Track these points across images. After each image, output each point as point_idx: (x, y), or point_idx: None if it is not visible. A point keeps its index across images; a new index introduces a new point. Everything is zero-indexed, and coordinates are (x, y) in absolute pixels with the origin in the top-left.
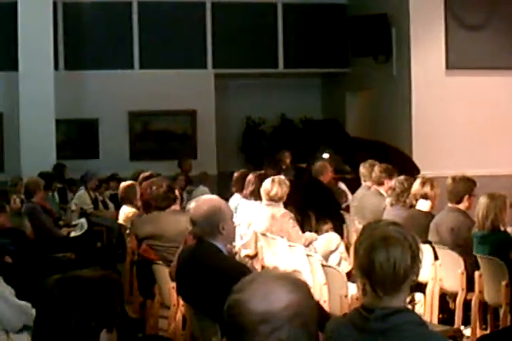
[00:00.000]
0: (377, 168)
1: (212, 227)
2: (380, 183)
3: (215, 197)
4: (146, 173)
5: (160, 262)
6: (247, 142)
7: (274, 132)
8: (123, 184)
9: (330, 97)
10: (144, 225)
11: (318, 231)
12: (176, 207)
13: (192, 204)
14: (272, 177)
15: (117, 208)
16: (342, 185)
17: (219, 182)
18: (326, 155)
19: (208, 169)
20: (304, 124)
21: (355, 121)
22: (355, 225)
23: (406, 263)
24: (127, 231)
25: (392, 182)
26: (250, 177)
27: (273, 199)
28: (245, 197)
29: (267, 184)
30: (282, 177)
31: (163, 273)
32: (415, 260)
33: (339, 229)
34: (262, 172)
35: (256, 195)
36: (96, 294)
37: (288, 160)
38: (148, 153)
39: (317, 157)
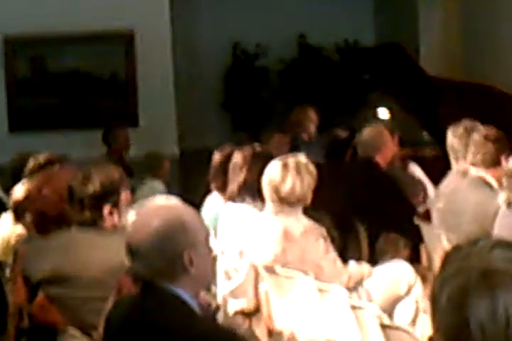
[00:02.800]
0: (479, 136)
1: (170, 261)
2: (488, 164)
3: (174, 201)
4: (42, 157)
5: (71, 328)
6: (234, 92)
7: (285, 71)
8: (21, 188)
9: (389, 4)
10: (41, 258)
11: (373, 260)
12: (110, 221)
13: (131, 217)
14: (283, 157)
15: None
16: (416, 170)
17: (183, 170)
18: (383, 114)
19: (161, 146)
20: (343, 55)
21: (435, 47)
22: (441, 245)
23: None
24: (7, 272)
25: (511, 163)
26: (238, 156)
27: (287, 202)
28: (231, 197)
29: (273, 171)
30: (303, 158)
31: None
32: None
33: (413, 253)
34: (263, 147)
35: (252, 193)
36: None
37: (313, 125)
38: (44, 118)
39: (367, 117)
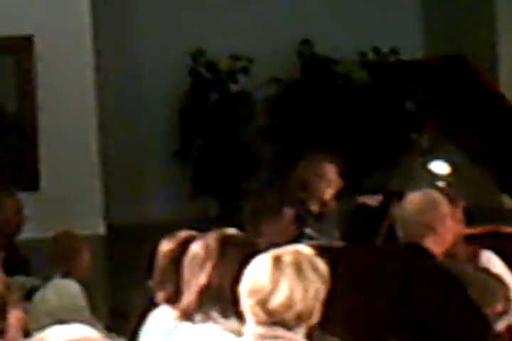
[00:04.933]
0: None
1: None
2: None
3: (90, 333)
4: None
5: None
6: (195, 133)
7: (280, 98)
8: None
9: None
10: None
11: None
12: None
13: None
14: (274, 251)
15: None
16: (493, 261)
17: (113, 259)
18: (438, 167)
19: (78, 221)
20: (372, 72)
21: None
22: None
23: None
24: None
25: None
26: (199, 245)
27: (281, 320)
28: (188, 312)
29: (258, 272)
30: (307, 249)
31: None
32: None
33: None
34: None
35: (221, 304)
36: None
37: (329, 188)
38: None
39: (411, 173)
